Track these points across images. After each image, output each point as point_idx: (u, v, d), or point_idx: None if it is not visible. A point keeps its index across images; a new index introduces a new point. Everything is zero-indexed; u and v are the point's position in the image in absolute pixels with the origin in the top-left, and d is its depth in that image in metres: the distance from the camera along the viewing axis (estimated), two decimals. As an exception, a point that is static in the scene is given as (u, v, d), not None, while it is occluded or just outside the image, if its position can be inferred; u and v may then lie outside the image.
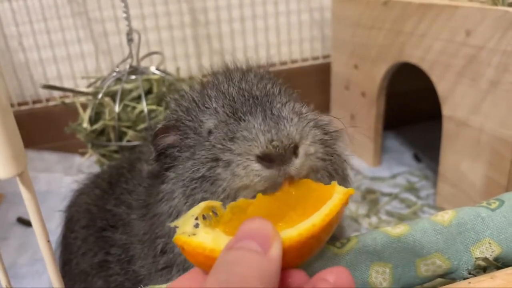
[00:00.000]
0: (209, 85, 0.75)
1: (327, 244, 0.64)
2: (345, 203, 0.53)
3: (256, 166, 0.58)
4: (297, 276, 0.47)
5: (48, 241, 0.51)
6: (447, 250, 0.63)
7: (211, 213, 0.53)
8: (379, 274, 0.62)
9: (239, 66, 0.81)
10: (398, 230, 0.64)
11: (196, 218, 0.51)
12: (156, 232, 0.74)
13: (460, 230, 0.64)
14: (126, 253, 0.86)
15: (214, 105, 0.69)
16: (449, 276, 0.64)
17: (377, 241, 0.63)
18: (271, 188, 0.58)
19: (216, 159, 0.61)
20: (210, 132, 0.67)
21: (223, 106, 0.67)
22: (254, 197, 0.58)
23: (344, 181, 0.69)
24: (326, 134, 0.66)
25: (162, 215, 0.71)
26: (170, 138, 0.73)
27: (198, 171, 0.63)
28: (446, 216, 0.66)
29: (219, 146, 0.61)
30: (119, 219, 0.87)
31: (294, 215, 0.52)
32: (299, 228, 0.48)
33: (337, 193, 0.53)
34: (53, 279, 0.52)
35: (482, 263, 0.63)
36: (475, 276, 0.63)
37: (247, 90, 0.68)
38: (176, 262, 0.71)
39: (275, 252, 0.44)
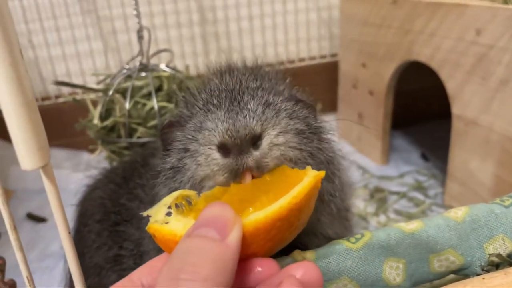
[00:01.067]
0: (204, 80, 0.78)
1: (342, 239, 0.65)
2: (316, 186, 0.53)
3: (216, 155, 0.59)
4: (267, 266, 0.47)
5: (69, 232, 0.52)
6: (461, 246, 0.63)
7: (184, 202, 0.53)
8: (393, 270, 0.62)
9: (236, 63, 0.81)
10: (412, 226, 0.65)
11: (169, 207, 0.52)
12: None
13: (473, 226, 0.65)
14: (138, 248, 0.87)
15: (203, 99, 0.70)
16: (462, 272, 0.64)
17: (391, 236, 0.63)
18: (232, 178, 0.59)
19: (186, 150, 0.63)
20: None
21: (200, 100, 0.69)
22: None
23: (328, 180, 0.67)
24: (307, 126, 0.65)
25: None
26: (175, 134, 0.74)
27: (170, 161, 0.65)
28: (459, 213, 0.66)
29: (189, 136, 0.63)
30: (132, 213, 0.88)
31: (265, 199, 0.52)
32: (266, 211, 0.49)
33: (308, 176, 0.53)
34: (73, 270, 0.53)
35: (495, 259, 0.63)
36: (488, 272, 0.63)
37: (224, 84, 0.69)
38: None
39: (233, 238, 0.44)
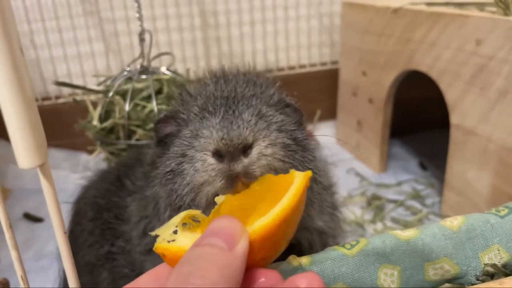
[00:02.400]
0: (199, 83, 0.80)
1: (337, 245, 0.65)
2: (306, 185, 0.55)
3: (211, 160, 0.63)
4: (271, 276, 0.48)
5: (65, 233, 0.52)
6: (456, 255, 0.64)
7: (191, 221, 0.54)
8: (388, 277, 0.62)
9: (231, 68, 0.83)
10: (408, 233, 0.65)
11: (176, 226, 0.52)
12: (141, 213, 0.79)
13: (469, 236, 0.65)
14: (129, 245, 0.87)
15: (193, 103, 0.74)
16: (457, 281, 0.64)
17: (386, 243, 0.64)
18: (228, 183, 0.63)
19: (184, 155, 0.67)
20: None
21: (196, 106, 0.72)
22: (216, 194, 0.63)
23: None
24: (293, 139, 0.69)
25: (148, 197, 0.77)
26: (169, 128, 0.78)
27: (169, 165, 0.69)
28: (455, 222, 0.66)
29: (186, 143, 0.67)
30: (125, 210, 0.89)
31: (264, 206, 0.53)
32: (271, 214, 0.50)
33: (297, 177, 0.55)
34: (68, 271, 0.53)
35: (490, 269, 0.63)
36: (483, 282, 0.63)
37: (219, 91, 0.72)
38: None
39: (241, 248, 0.45)
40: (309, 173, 0.56)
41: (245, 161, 0.62)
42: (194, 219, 0.54)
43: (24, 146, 0.44)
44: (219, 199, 0.56)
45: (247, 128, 0.63)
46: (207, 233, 0.47)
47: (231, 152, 0.62)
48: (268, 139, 0.65)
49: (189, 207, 0.67)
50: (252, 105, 0.69)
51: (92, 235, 0.95)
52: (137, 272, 0.85)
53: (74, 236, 1.00)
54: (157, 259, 0.74)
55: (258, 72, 0.83)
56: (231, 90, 0.72)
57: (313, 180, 0.71)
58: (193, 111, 0.71)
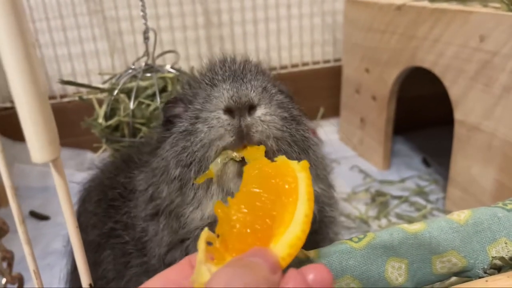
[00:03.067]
0: (208, 67, 0.86)
1: (344, 239, 0.65)
2: (310, 177, 0.56)
3: (224, 116, 0.71)
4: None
5: (77, 227, 0.52)
6: (463, 249, 0.64)
7: (215, 249, 0.52)
8: (395, 270, 0.63)
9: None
10: (415, 227, 0.66)
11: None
12: (149, 182, 0.83)
13: (476, 229, 0.65)
14: (133, 224, 0.88)
15: (202, 80, 0.81)
16: (465, 274, 0.65)
17: (393, 236, 0.64)
18: (237, 140, 0.70)
19: (197, 117, 0.74)
20: None
21: (207, 79, 0.79)
22: (225, 148, 0.71)
23: (303, 152, 0.78)
24: (291, 115, 0.77)
25: (156, 168, 0.81)
26: (177, 109, 0.82)
27: (183, 125, 0.76)
28: (462, 215, 0.67)
29: (199, 107, 0.75)
30: (131, 191, 0.90)
31: (280, 215, 0.53)
32: (298, 223, 0.51)
33: (299, 171, 0.56)
34: (80, 266, 0.54)
35: (498, 262, 0.64)
36: (490, 275, 0.64)
37: (227, 67, 0.80)
38: (162, 208, 0.80)
39: (278, 277, 0.46)
40: (306, 163, 0.57)
41: (249, 119, 0.70)
42: (208, 243, 0.52)
43: (37, 141, 0.45)
44: (204, 234, 0.52)
45: (253, 91, 0.72)
46: (248, 253, 0.48)
47: (240, 109, 0.70)
48: (269, 108, 0.73)
49: (199, 162, 0.73)
50: (258, 78, 0.77)
51: (96, 215, 0.97)
52: (140, 247, 0.86)
53: (80, 222, 1.01)
54: (163, 222, 0.80)
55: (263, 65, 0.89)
56: (238, 67, 0.80)
57: (308, 150, 0.79)
58: (205, 81, 0.79)
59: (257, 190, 0.55)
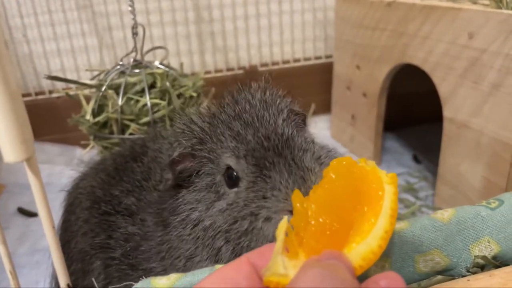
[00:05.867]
0: (219, 116, 0.79)
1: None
2: (397, 191, 0.54)
3: (286, 212, 0.66)
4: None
5: (53, 227, 0.51)
6: (447, 247, 0.64)
7: (290, 242, 0.51)
8: (378, 268, 0.62)
9: (246, 94, 0.83)
10: (398, 225, 0.65)
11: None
12: (176, 248, 0.78)
13: (459, 228, 0.65)
14: (128, 242, 0.87)
15: (231, 143, 0.74)
16: (448, 273, 0.65)
17: (377, 236, 0.64)
18: None
19: (255, 214, 0.69)
20: (230, 168, 0.74)
21: (245, 153, 0.73)
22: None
23: None
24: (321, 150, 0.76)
25: (185, 235, 0.76)
26: (185, 164, 0.79)
27: (241, 225, 0.71)
28: (445, 214, 0.66)
29: (254, 205, 0.69)
30: (126, 208, 0.88)
31: (354, 213, 0.52)
32: (376, 238, 0.50)
33: (387, 183, 0.53)
34: (57, 265, 0.53)
35: (481, 261, 0.63)
36: (473, 274, 0.64)
37: (262, 134, 0.73)
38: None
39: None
40: (395, 176, 0.54)
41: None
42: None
43: (9, 140, 0.44)
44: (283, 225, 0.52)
45: (317, 179, 0.68)
46: (324, 254, 0.47)
47: None
48: (319, 172, 0.69)
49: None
50: (305, 148, 0.72)
51: (87, 223, 0.94)
52: (133, 268, 0.85)
53: (67, 225, 1.00)
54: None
55: (266, 89, 0.84)
56: (272, 132, 0.74)
57: None
58: (248, 162, 0.72)
59: (341, 190, 0.53)
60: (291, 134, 0.75)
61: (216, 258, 0.74)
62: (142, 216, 0.87)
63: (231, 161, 0.74)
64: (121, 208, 0.90)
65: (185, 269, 0.76)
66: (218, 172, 0.76)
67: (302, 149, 0.72)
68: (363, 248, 0.49)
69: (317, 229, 0.50)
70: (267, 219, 0.69)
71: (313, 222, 0.50)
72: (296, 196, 0.52)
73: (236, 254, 0.71)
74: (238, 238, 0.71)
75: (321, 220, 0.50)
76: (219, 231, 0.73)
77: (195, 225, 0.75)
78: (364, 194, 0.53)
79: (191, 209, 0.77)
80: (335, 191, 0.53)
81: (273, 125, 0.75)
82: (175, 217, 0.78)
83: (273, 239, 0.67)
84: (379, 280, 0.45)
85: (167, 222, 0.80)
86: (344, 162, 0.56)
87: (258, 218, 0.69)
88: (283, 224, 0.50)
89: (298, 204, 0.52)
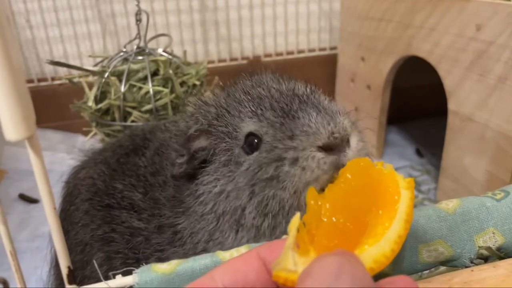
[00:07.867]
0: (237, 90, 0.78)
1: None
2: (413, 197, 0.54)
3: (320, 154, 0.64)
4: None
5: (55, 208, 0.51)
6: (451, 238, 0.63)
7: (301, 238, 0.50)
8: (381, 258, 0.62)
9: (257, 70, 0.83)
10: (402, 215, 0.64)
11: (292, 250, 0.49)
12: (197, 232, 0.76)
13: (464, 218, 0.64)
14: (134, 237, 0.86)
15: (252, 108, 0.72)
16: (451, 263, 0.64)
17: (380, 225, 0.63)
18: (332, 176, 0.63)
19: (281, 159, 0.66)
20: (250, 134, 0.71)
21: (269, 108, 0.71)
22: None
23: None
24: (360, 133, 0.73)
25: (206, 214, 0.74)
26: (202, 142, 0.76)
27: (266, 171, 0.67)
28: (450, 204, 0.66)
29: (281, 146, 0.66)
30: (131, 203, 0.87)
31: (368, 214, 0.51)
32: (389, 241, 0.49)
33: (404, 188, 0.53)
34: (58, 247, 0.53)
35: (485, 252, 0.63)
36: (477, 265, 0.63)
37: (286, 90, 0.73)
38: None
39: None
40: (413, 182, 0.53)
41: (349, 152, 0.65)
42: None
43: (10, 117, 0.43)
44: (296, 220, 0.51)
45: (345, 121, 0.66)
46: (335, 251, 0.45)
47: (340, 145, 0.65)
48: (357, 135, 0.69)
49: (287, 213, 0.66)
50: (328, 99, 0.72)
51: (88, 215, 0.92)
52: (139, 261, 0.84)
53: (66, 215, 0.98)
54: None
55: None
56: (290, 88, 0.73)
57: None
58: (272, 115, 0.70)
59: (356, 190, 0.53)
60: (312, 91, 0.74)
61: (237, 226, 0.70)
62: (161, 212, 0.83)
63: (252, 124, 0.71)
64: (125, 203, 0.88)
65: (205, 252, 0.73)
66: (236, 145, 0.73)
67: (325, 99, 0.72)
68: (375, 250, 0.48)
69: (330, 228, 0.49)
70: (295, 160, 0.65)
71: (326, 220, 0.50)
72: (311, 193, 0.52)
73: (260, 213, 0.68)
74: (263, 189, 0.67)
75: (334, 219, 0.50)
76: (241, 189, 0.69)
77: (218, 197, 0.72)
78: (380, 197, 0.52)
79: (212, 187, 0.73)
80: (351, 191, 0.53)
81: (293, 86, 0.74)
82: (195, 200, 0.75)
83: (298, 188, 0.65)
84: (395, 281, 0.44)
85: (186, 208, 0.78)
86: (361, 163, 0.56)
87: (284, 162, 0.65)
88: (296, 219, 0.50)
89: (312, 202, 0.51)
